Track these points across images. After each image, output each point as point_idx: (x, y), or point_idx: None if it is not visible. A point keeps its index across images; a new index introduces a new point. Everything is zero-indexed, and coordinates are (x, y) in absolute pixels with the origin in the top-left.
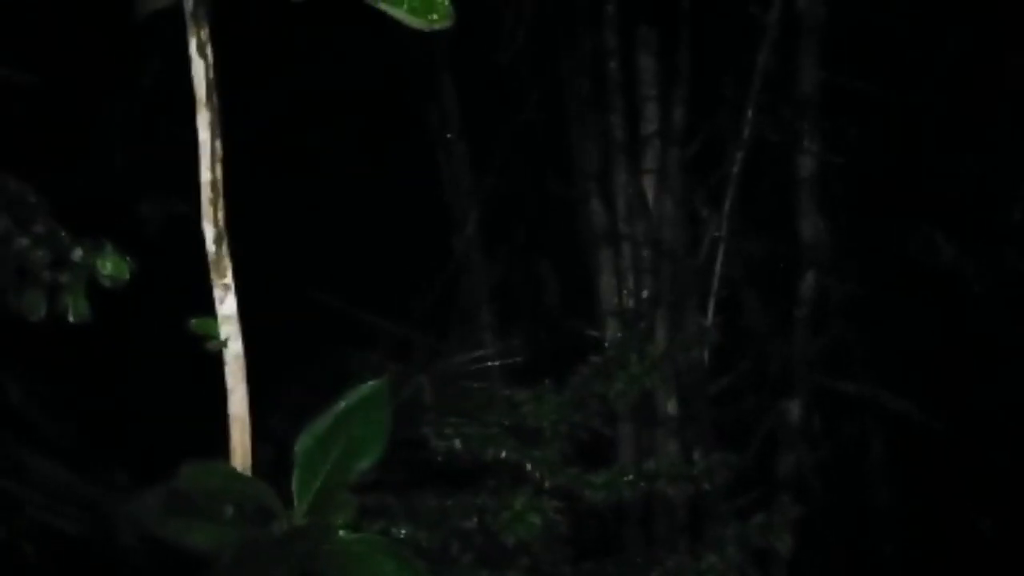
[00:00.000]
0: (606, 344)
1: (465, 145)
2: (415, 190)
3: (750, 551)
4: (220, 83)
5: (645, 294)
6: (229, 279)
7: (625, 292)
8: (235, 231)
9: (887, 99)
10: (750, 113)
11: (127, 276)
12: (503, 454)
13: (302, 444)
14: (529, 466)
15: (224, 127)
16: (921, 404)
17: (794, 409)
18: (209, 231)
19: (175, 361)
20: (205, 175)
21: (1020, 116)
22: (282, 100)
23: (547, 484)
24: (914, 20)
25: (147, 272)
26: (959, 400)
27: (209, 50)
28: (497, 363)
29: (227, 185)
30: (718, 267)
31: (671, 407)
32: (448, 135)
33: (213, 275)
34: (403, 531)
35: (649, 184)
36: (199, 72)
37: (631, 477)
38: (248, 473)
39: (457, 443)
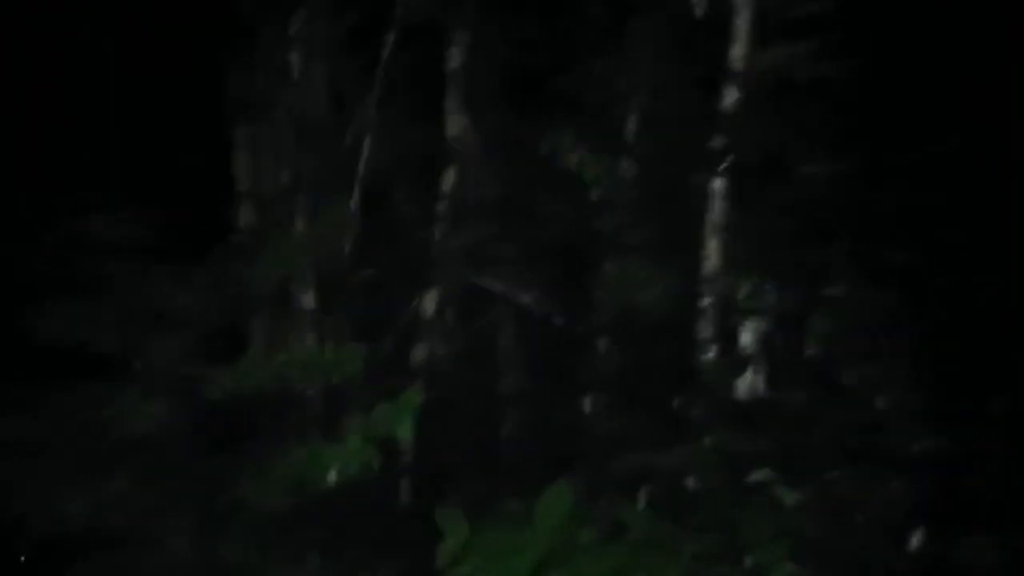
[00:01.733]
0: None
1: None
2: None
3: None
4: None
5: (285, 176)
6: None
7: (263, 172)
8: None
9: None
10: None
11: None
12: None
13: None
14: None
15: None
16: (548, 297)
17: (430, 301)
18: None
19: None
20: None
21: None
22: None
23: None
24: None
25: None
26: (582, 296)
27: None
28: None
29: None
30: (365, 152)
31: (308, 299)
32: None
33: None
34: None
35: (297, 55)
36: None
37: (259, 369)
38: None
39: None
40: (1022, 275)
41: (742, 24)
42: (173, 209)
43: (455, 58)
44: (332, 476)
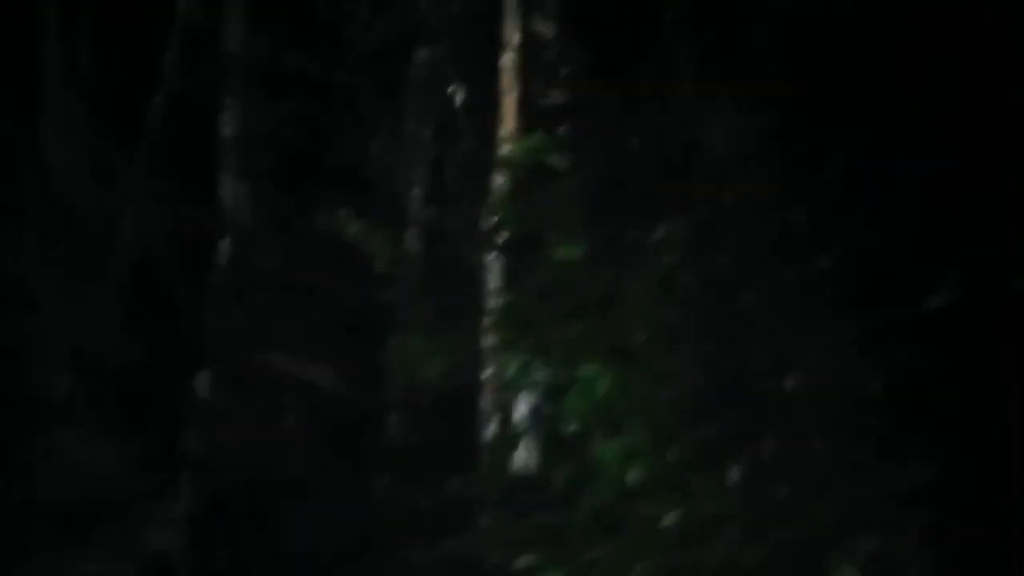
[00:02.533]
0: None
1: None
2: None
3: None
4: None
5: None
6: None
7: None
8: None
9: (314, 74)
10: (170, 64)
11: None
12: None
13: None
14: None
15: None
16: (335, 373)
17: (204, 382)
18: None
19: None
20: None
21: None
22: None
23: None
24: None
25: None
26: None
27: None
28: None
29: None
30: (130, 227)
31: (63, 386)
32: None
33: None
34: None
35: (48, 128)
36: None
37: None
38: None
39: None
40: None
41: (509, 106)
42: None
43: (229, 127)
44: None
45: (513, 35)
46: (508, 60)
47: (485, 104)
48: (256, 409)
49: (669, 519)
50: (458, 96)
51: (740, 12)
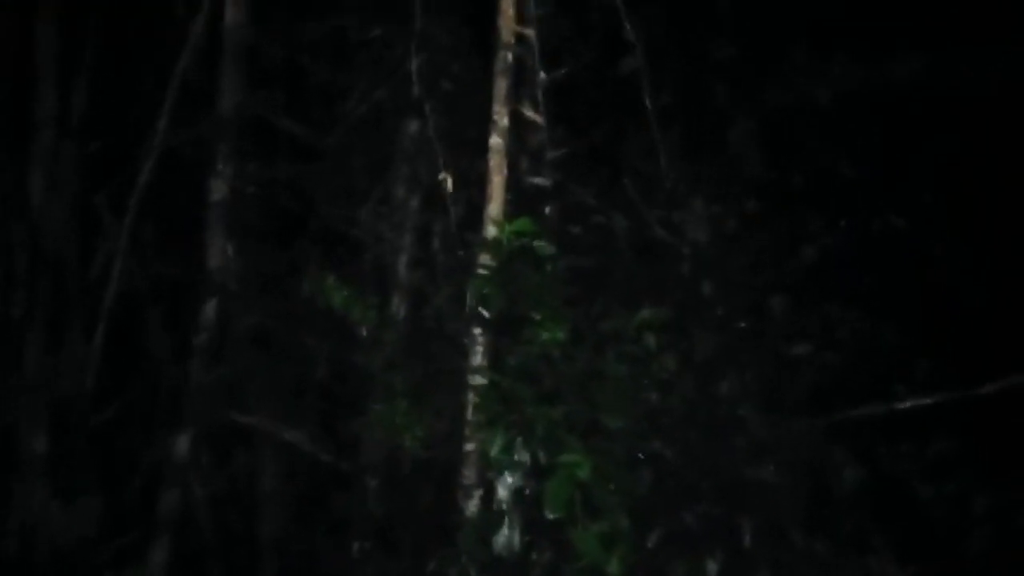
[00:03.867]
0: None
1: None
2: None
3: None
4: None
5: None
6: None
7: None
8: None
9: (306, 138)
10: (164, 121)
11: None
12: None
13: None
14: None
15: None
16: (313, 435)
17: (183, 442)
18: None
19: None
20: None
21: None
22: None
23: None
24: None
25: None
26: (350, 436)
27: None
28: None
29: None
30: (114, 283)
31: (39, 443)
32: None
33: None
34: None
35: (37, 178)
36: None
37: None
38: None
39: None
40: None
41: (496, 186)
42: None
43: (219, 186)
44: None
45: (502, 116)
46: (496, 141)
47: (473, 179)
48: (234, 469)
49: None
50: (446, 172)
51: (722, 101)
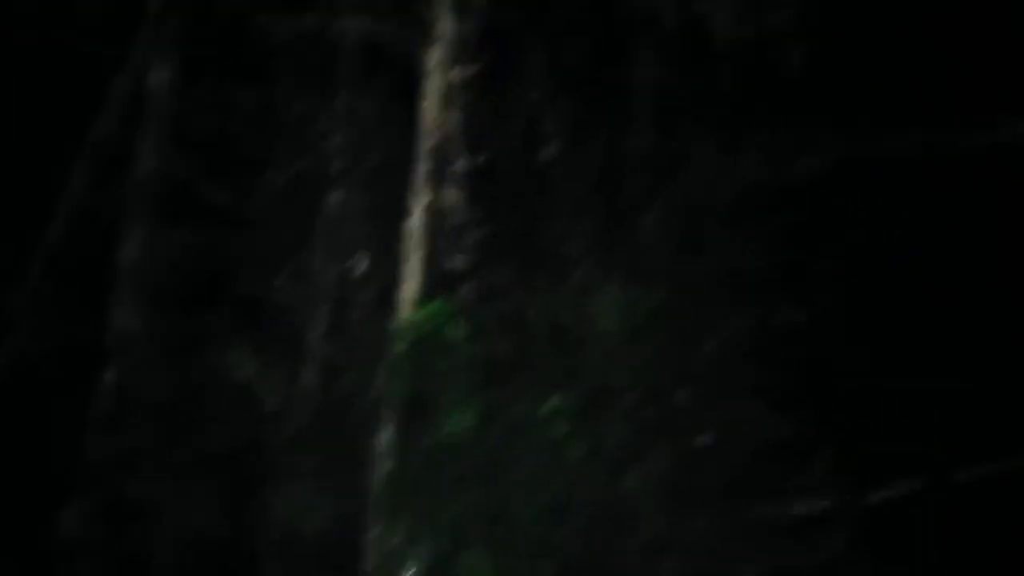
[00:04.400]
0: None
1: None
2: None
3: None
4: None
5: None
6: None
7: None
8: None
9: (225, 204)
10: (78, 180)
11: None
12: None
13: None
14: None
15: None
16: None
17: (74, 517)
18: None
19: None
20: None
21: None
22: None
23: None
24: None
25: None
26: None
27: None
28: None
29: None
30: (13, 341)
31: None
32: None
33: None
34: None
35: None
36: None
37: None
38: None
39: None
40: None
41: (412, 266)
42: None
43: (130, 249)
44: None
45: (422, 198)
46: (415, 221)
47: (391, 256)
48: (128, 545)
49: None
50: (365, 249)
51: (634, 191)
